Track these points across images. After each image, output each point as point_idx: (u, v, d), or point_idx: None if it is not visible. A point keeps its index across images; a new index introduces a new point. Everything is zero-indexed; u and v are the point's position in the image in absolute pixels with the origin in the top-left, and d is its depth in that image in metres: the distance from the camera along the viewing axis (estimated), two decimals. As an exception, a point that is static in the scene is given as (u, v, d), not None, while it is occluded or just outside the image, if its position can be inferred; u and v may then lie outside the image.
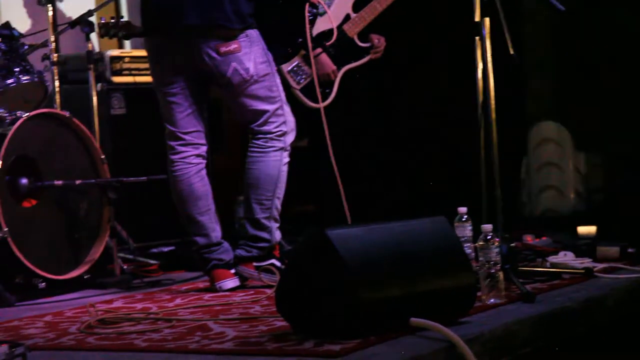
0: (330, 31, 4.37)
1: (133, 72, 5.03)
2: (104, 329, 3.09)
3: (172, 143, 3.88)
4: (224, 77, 3.80)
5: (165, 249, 4.88)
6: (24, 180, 4.08)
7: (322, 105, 4.19)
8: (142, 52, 4.89)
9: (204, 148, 3.90)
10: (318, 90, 4.21)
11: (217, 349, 2.70)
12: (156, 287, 4.07)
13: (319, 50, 4.32)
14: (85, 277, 4.18)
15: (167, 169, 3.89)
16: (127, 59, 5.03)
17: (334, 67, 4.37)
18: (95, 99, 4.56)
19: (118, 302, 3.68)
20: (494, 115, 3.69)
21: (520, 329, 2.83)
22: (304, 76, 4.33)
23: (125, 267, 4.29)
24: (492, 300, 3.04)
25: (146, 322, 3.16)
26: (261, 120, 3.87)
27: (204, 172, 3.88)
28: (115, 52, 5.03)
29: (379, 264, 2.77)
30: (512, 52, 3.67)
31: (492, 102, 3.68)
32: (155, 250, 4.82)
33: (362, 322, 2.67)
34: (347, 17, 4.47)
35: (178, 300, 3.62)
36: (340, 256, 2.71)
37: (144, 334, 2.95)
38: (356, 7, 4.50)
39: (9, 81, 4.28)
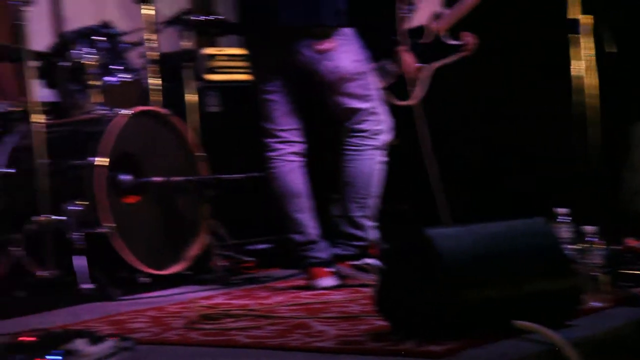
0: (420, 28, 4.37)
1: (228, 70, 5.10)
2: (207, 324, 3.14)
3: (269, 140, 3.91)
4: (319, 75, 3.82)
5: (261, 246, 4.94)
6: (127, 177, 4.18)
7: (410, 103, 4.19)
8: (237, 50, 4.95)
9: (302, 146, 3.92)
10: (410, 88, 4.22)
11: (320, 347, 2.72)
12: (254, 284, 4.11)
13: (404, 47, 4.31)
14: (185, 273, 4.27)
15: (265, 166, 3.93)
16: (222, 57, 5.09)
17: (419, 65, 4.35)
18: (193, 96, 4.64)
19: (218, 299, 3.73)
20: (593, 113, 3.64)
21: (627, 333, 2.78)
22: (389, 74, 4.33)
23: (223, 263, 4.36)
24: (595, 304, 3.00)
25: (247, 318, 3.20)
26: (356, 119, 3.88)
27: (301, 169, 3.90)
28: (211, 50, 5.10)
29: (479, 264, 2.74)
30: (611, 49, 3.62)
31: (592, 99, 3.63)
32: (250, 247, 4.88)
33: (464, 323, 2.65)
34: (437, 15, 4.45)
35: (276, 298, 3.66)
36: (440, 256, 2.69)
37: (246, 331, 2.99)
38: (447, 4, 4.48)
39: (110, 79, 4.39)
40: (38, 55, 4.38)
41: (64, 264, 3.96)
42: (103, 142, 4.04)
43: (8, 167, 4.23)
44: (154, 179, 4.16)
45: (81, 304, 3.81)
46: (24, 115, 4.23)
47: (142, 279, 4.11)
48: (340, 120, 3.92)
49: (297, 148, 3.91)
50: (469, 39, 4.46)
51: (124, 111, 4.17)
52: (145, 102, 4.52)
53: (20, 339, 2.64)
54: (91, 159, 4.03)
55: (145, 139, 4.26)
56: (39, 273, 3.94)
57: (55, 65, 4.44)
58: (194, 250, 4.34)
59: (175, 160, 4.34)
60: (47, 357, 2.46)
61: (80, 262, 3.91)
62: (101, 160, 4.01)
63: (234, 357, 2.72)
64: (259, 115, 3.98)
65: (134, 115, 4.18)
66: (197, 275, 4.30)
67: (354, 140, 3.89)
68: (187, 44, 4.71)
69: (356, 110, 3.88)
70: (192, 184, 4.29)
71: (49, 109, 4.41)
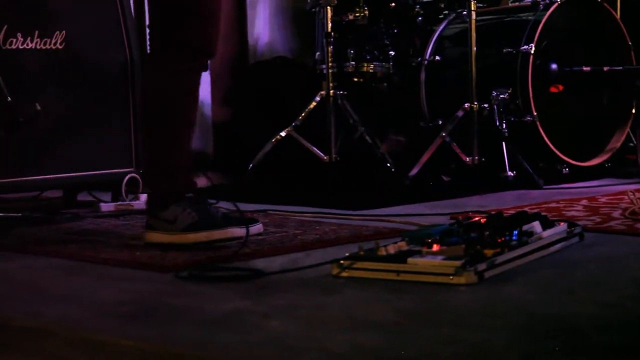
0: None
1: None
2: (649, 216, 3.06)
3: None
4: None
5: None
6: (554, 66, 4.13)
7: None
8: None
9: None
10: None
11: None
12: (682, 179, 3.95)
13: None
14: (606, 165, 4.19)
15: None
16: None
17: None
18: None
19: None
20: None
21: None
22: None
23: (646, 158, 4.23)
24: None
25: (694, 213, 3.08)
26: None
27: None
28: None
29: None
30: None
31: None
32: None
33: None
34: None
35: None
36: None
37: (697, 225, 2.88)
38: None
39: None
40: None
41: (488, 151, 4.02)
42: (532, 29, 4.01)
43: (435, 54, 4.33)
44: (583, 68, 4.08)
45: (505, 190, 3.87)
46: (450, 4, 4.30)
47: (564, 170, 4.08)
48: None
49: None
50: None
51: (556, -1, 4.11)
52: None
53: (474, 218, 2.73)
54: (520, 46, 4.02)
55: (573, 26, 4.17)
56: (465, 158, 4.03)
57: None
58: (616, 142, 4.23)
59: (603, 49, 4.21)
60: (506, 236, 2.52)
61: (505, 150, 3.95)
62: (530, 48, 3.99)
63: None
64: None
65: (565, 2, 4.09)
66: (618, 168, 4.20)
67: None
68: None
69: None
70: (621, 73, 4.16)
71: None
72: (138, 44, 3.64)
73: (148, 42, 2.92)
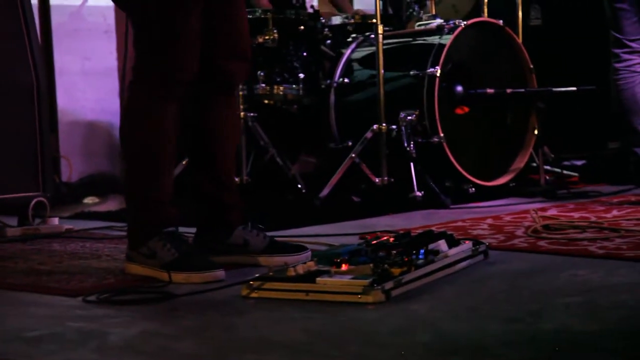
0: None
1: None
2: (551, 234, 3.15)
3: (617, 51, 3.81)
4: None
5: (578, 162, 4.87)
6: (459, 88, 4.22)
7: None
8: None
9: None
10: None
11: (682, 261, 2.65)
12: (583, 198, 4.06)
13: None
14: (510, 184, 4.28)
15: (611, 77, 3.84)
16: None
17: None
18: (519, 9, 4.61)
19: (552, 211, 3.72)
20: None
21: None
22: None
23: (547, 177, 4.33)
24: None
25: (593, 230, 3.18)
26: None
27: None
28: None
29: None
30: None
31: None
32: (567, 162, 4.81)
33: None
34: None
35: (615, 212, 3.59)
36: None
37: (596, 242, 2.97)
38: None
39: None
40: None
41: (396, 171, 4.08)
42: (438, 52, 4.09)
43: (344, 77, 4.38)
44: (487, 91, 4.18)
45: (414, 210, 3.93)
46: (359, 28, 4.36)
47: (470, 189, 4.17)
48: None
49: None
50: None
51: (459, 22, 4.19)
52: (478, 13, 4.53)
53: (382, 238, 2.76)
54: (427, 69, 4.09)
55: (478, 50, 4.27)
56: (374, 179, 4.08)
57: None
58: (520, 162, 4.34)
59: (506, 72, 4.32)
60: (413, 255, 2.56)
61: (413, 170, 4.01)
62: (435, 71, 4.07)
63: (591, 266, 2.70)
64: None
65: (469, 26, 4.19)
66: (522, 187, 4.30)
67: None
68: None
69: None
70: (524, 96, 4.27)
71: (386, 20, 4.49)
72: (44, 66, 3.61)
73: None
